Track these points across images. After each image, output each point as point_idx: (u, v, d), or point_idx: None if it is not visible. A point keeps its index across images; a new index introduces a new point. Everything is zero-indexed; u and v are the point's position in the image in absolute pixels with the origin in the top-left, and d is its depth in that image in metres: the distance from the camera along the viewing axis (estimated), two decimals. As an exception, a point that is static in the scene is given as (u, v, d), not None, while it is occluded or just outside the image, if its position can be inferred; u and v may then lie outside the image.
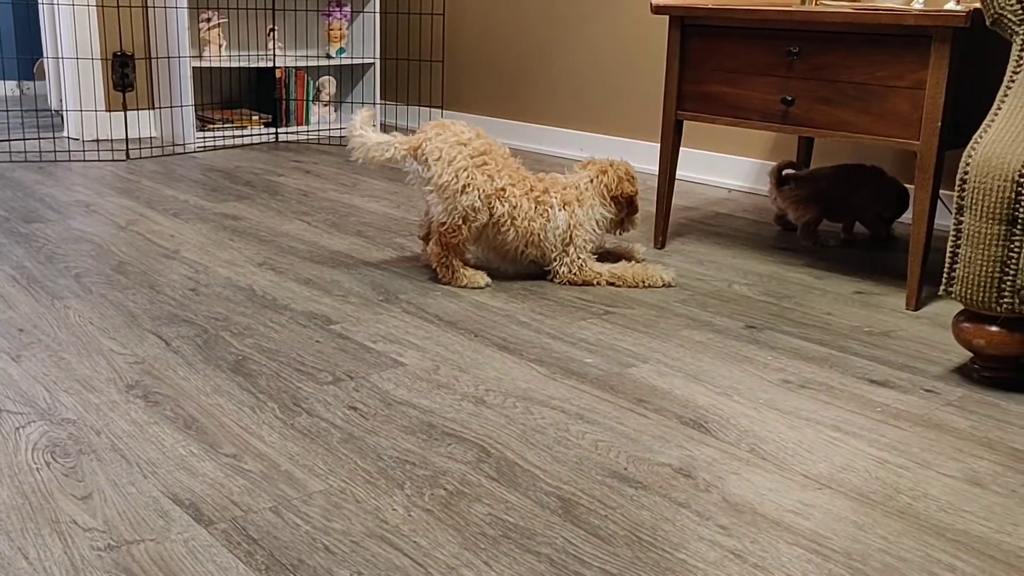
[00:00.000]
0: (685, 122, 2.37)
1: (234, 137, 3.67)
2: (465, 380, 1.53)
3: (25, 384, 1.46)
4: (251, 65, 3.69)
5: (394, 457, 1.27)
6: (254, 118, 3.78)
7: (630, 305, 1.91)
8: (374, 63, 3.92)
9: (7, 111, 4.24)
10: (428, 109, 4.08)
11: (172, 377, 1.50)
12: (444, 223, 1.95)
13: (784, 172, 2.46)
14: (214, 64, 3.58)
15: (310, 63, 3.85)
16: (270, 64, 3.74)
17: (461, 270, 1.99)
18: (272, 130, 3.79)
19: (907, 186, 2.45)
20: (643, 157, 3.33)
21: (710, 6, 2.16)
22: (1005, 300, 1.45)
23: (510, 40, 3.75)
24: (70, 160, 3.26)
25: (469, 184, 1.92)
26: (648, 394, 1.49)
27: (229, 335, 1.69)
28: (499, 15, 3.77)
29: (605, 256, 2.16)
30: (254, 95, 3.93)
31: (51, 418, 1.35)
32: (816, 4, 2.29)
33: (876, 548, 1.08)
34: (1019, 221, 1.41)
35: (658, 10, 2.24)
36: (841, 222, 2.47)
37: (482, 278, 2.01)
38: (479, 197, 1.93)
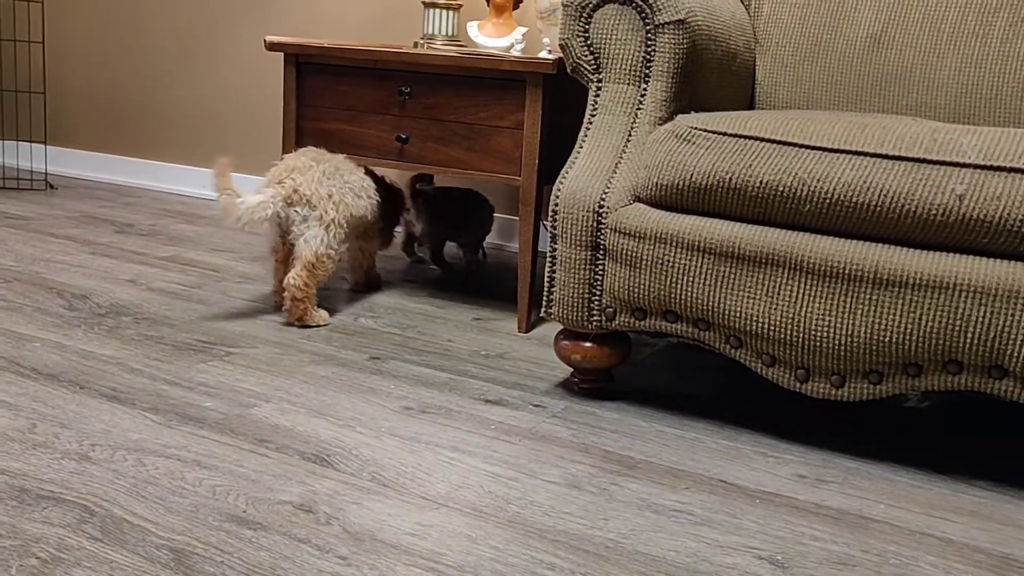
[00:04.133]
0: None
1: None
2: (67, 436, 1.40)
3: None
4: None
5: (-25, 529, 1.12)
6: None
7: (254, 345, 1.86)
8: (-40, 93, 3.51)
9: None
10: (29, 144, 3.72)
11: None
12: (322, 253, 1.98)
13: (418, 185, 2.50)
14: None
15: None
16: None
17: (315, 308, 2.02)
18: None
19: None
20: (270, 195, 3.28)
21: (324, 45, 2.19)
22: (594, 318, 1.60)
23: (122, 72, 3.54)
24: None
25: (348, 211, 2.05)
26: (270, 433, 1.46)
27: None
28: (109, 46, 3.55)
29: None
30: None
31: None
32: (427, 48, 2.40)
33: (487, 558, 1.14)
34: (601, 247, 1.57)
35: (272, 47, 2.23)
36: (455, 241, 2.58)
37: (327, 316, 2.05)
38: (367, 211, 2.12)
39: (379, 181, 2.29)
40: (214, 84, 3.36)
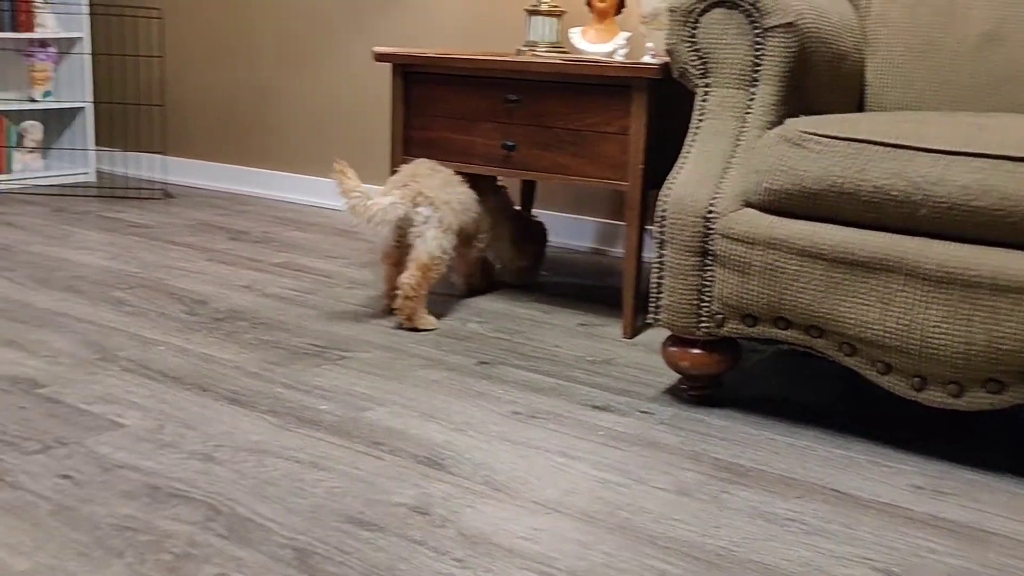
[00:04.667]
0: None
1: (-78, 188, 3.32)
2: (192, 437, 1.46)
3: None
4: (-59, 109, 3.36)
5: (112, 525, 1.19)
6: (-54, 167, 3.44)
7: (366, 349, 1.91)
8: (85, 107, 3.69)
9: None
10: (148, 155, 3.90)
11: None
12: (436, 256, 2.04)
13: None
14: None
15: (11, 107, 3.57)
16: (-36, 108, 3.42)
17: (425, 311, 2.09)
18: (-31, 180, 3.46)
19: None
20: (376, 201, 3.35)
21: (430, 54, 2.23)
22: (703, 324, 1.60)
23: (236, 84, 3.67)
24: None
25: (459, 220, 2.12)
26: (384, 436, 1.50)
27: (-83, 408, 1.52)
28: (224, 58, 3.68)
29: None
30: (-54, 142, 3.58)
31: None
32: (531, 55, 2.43)
33: (599, 563, 1.15)
34: (710, 253, 1.57)
35: (381, 58, 2.29)
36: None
37: (435, 321, 2.10)
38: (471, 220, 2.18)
39: (520, 216, 2.44)
40: (323, 95, 3.46)
